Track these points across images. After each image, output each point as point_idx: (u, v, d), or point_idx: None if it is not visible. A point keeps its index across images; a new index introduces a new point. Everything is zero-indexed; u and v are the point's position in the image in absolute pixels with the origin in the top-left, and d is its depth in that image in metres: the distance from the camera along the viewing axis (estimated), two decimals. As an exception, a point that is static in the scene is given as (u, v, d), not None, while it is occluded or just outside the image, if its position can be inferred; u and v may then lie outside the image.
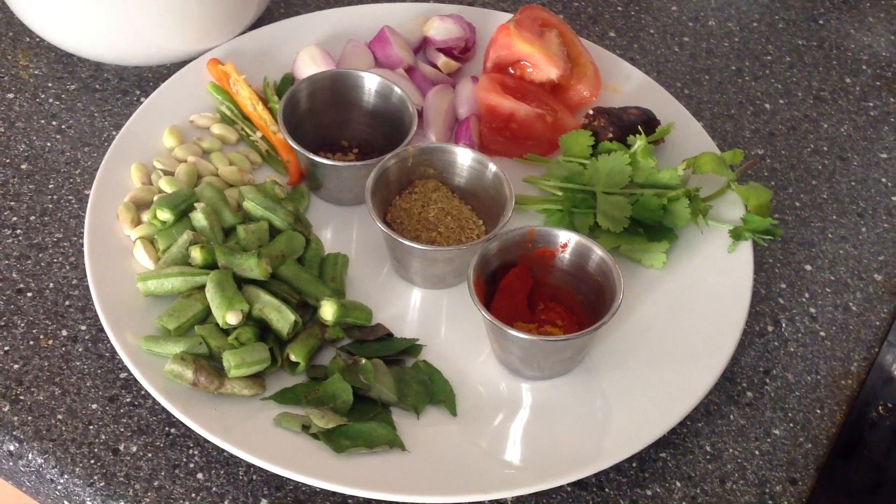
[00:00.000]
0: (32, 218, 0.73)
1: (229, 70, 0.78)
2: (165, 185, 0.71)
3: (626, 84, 0.82)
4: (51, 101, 0.81)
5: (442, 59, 0.81)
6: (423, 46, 0.84)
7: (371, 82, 0.74)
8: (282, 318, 0.62)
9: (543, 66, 0.79)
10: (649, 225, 0.70)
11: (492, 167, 0.69)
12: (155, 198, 0.70)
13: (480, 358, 0.65)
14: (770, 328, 0.69)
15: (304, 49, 0.81)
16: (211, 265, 0.65)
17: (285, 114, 0.72)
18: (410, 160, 0.70)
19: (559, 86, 0.79)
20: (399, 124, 0.73)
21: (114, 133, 0.78)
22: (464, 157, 0.70)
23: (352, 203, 0.73)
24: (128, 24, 0.76)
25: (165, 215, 0.67)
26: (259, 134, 0.77)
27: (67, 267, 0.70)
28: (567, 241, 0.65)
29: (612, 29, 0.92)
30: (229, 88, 0.78)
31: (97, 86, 0.82)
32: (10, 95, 0.81)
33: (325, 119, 0.75)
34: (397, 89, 0.73)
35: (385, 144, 0.74)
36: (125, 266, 0.67)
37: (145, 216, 0.69)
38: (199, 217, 0.67)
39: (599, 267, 0.63)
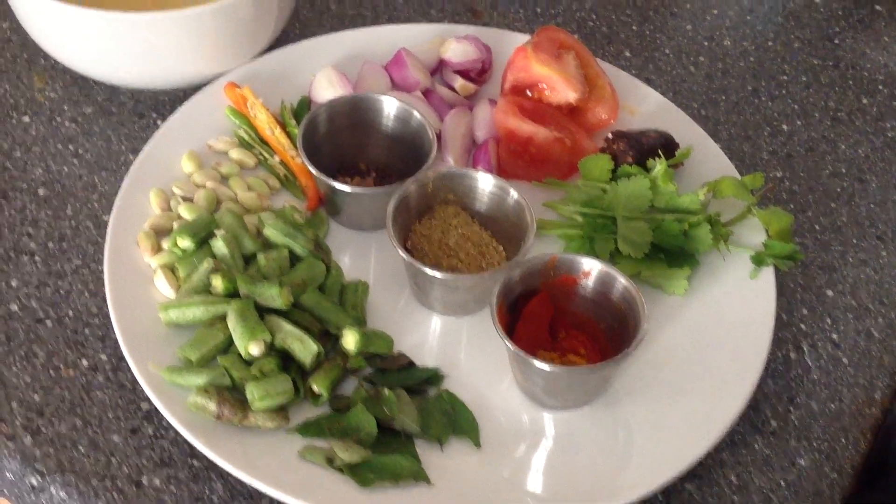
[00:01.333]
0: (51, 244, 0.72)
1: (246, 94, 0.78)
2: (185, 212, 0.70)
3: (643, 105, 0.82)
4: (67, 124, 0.80)
5: (459, 82, 0.81)
6: (439, 68, 0.84)
7: (390, 106, 0.74)
8: (304, 348, 0.62)
9: (561, 89, 0.78)
10: (670, 250, 0.70)
11: (513, 193, 0.69)
12: (174, 224, 0.70)
13: (502, 386, 0.65)
14: (792, 355, 0.69)
15: (320, 71, 0.81)
16: (232, 293, 0.65)
17: (304, 139, 0.72)
18: (430, 186, 0.70)
19: (577, 108, 0.79)
20: (418, 149, 0.73)
21: (131, 157, 0.78)
22: (485, 183, 0.70)
23: (370, 228, 0.73)
24: (144, 48, 0.76)
25: (186, 243, 0.67)
26: (277, 158, 0.77)
27: (87, 294, 0.69)
28: (590, 268, 0.65)
29: (628, 48, 0.92)
30: (247, 112, 0.78)
31: (113, 109, 0.82)
32: (26, 119, 0.80)
33: (343, 143, 0.75)
34: (417, 114, 0.73)
35: (403, 168, 0.73)
36: (146, 294, 0.66)
37: (165, 243, 0.69)
38: (219, 245, 0.67)
39: (623, 295, 0.63)
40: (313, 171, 0.70)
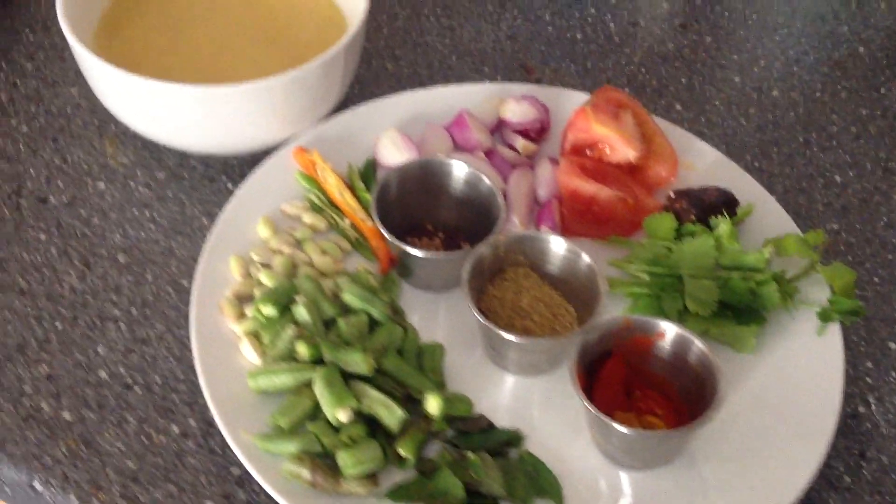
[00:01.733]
0: (134, 311, 0.75)
1: (315, 158, 0.81)
2: (265, 278, 0.73)
3: (699, 160, 0.84)
4: (141, 189, 0.83)
5: (520, 142, 0.83)
6: (499, 128, 0.86)
7: (460, 171, 0.76)
8: (391, 414, 0.64)
9: (621, 148, 0.81)
10: (738, 308, 0.72)
11: (585, 258, 0.71)
12: (255, 291, 0.72)
13: (579, 445, 0.67)
14: (861, 409, 0.71)
15: (384, 133, 0.83)
16: (317, 359, 0.67)
17: (378, 204, 0.74)
18: (502, 249, 0.72)
19: (637, 166, 0.81)
20: (487, 212, 0.75)
21: (205, 221, 0.80)
22: (556, 247, 0.72)
23: (440, 289, 0.75)
24: (215, 118, 0.78)
25: (269, 311, 0.69)
26: (347, 221, 0.79)
27: (172, 360, 0.72)
28: (664, 330, 0.67)
29: (678, 102, 0.94)
30: (316, 176, 0.80)
31: (184, 174, 0.84)
32: (102, 185, 0.83)
33: (412, 205, 0.77)
34: (486, 180, 0.75)
35: (471, 229, 0.76)
36: (232, 361, 0.69)
37: (248, 309, 0.71)
38: (301, 311, 0.69)
39: (699, 358, 0.65)
40: (388, 237, 0.73)
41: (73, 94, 0.90)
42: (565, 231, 0.79)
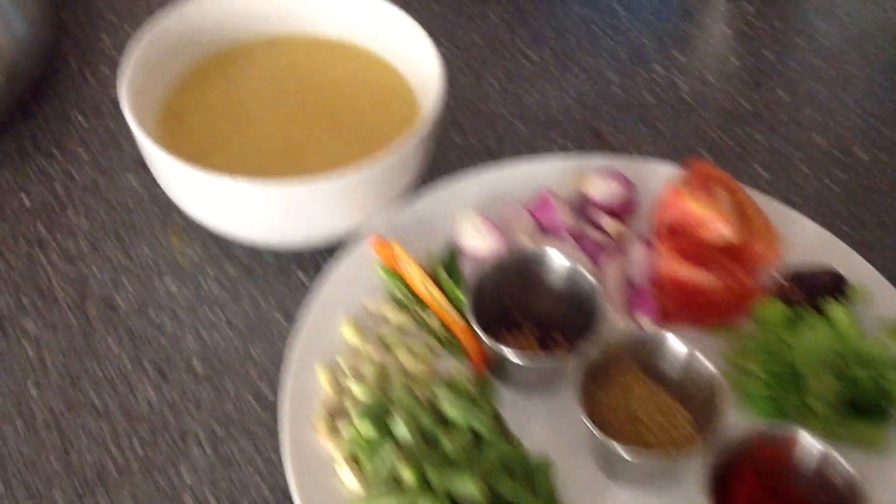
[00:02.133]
0: (216, 428, 0.71)
1: (396, 249, 0.77)
2: (357, 391, 0.69)
3: (795, 233, 0.80)
4: (213, 288, 0.79)
5: (609, 223, 0.79)
6: (582, 205, 0.82)
7: (559, 263, 0.72)
8: (510, 545, 0.60)
9: (719, 228, 0.77)
10: (863, 404, 0.68)
11: (703, 361, 0.67)
12: (347, 404, 0.68)
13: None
14: None
15: (463, 216, 0.79)
16: (422, 482, 0.63)
17: (473, 304, 0.70)
18: (612, 351, 0.68)
19: (735, 245, 0.77)
20: (586, 308, 0.71)
21: (282, 320, 0.77)
22: (670, 347, 0.68)
23: (538, 392, 0.71)
24: (287, 213, 0.74)
25: (368, 431, 0.65)
26: (434, 317, 0.75)
27: (263, 485, 0.68)
28: (799, 441, 0.62)
29: (761, 166, 0.90)
30: (397, 268, 0.76)
31: (256, 268, 0.80)
32: (171, 284, 0.79)
33: (504, 297, 0.73)
34: (587, 274, 0.71)
35: (566, 322, 0.72)
36: (331, 486, 0.65)
37: (340, 422, 0.67)
38: (401, 429, 0.65)
39: (834, 468, 0.61)
40: (487, 341, 0.69)
41: (133, 183, 0.86)
42: (664, 319, 0.75)
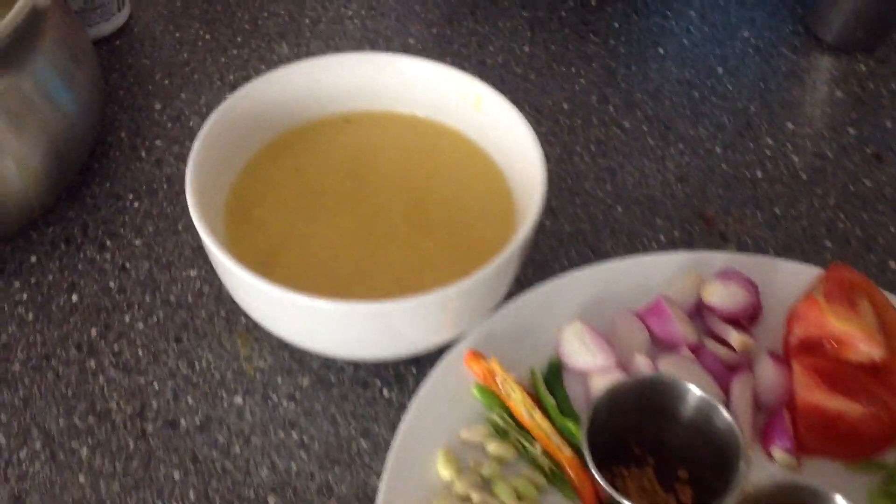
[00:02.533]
0: (298, 580, 0.62)
1: (494, 367, 0.68)
2: (459, 543, 0.60)
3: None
4: (284, 403, 0.70)
5: (735, 337, 0.70)
6: (697, 311, 0.73)
7: (691, 396, 0.63)
8: None
9: (864, 346, 0.67)
10: None
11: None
12: (450, 561, 0.59)
13: None
14: None
15: (566, 327, 0.70)
16: None
17: (588, 436, 0.61)
18: (753, 499, 0.59)
19: (882, 367, 0.68)
20: (717, 445, 0.62)
21: (363, 443, 0.68)
22: (824, 499, 0.59)
23: (662, 536, 0.62)
24: (371, 330, 0.66)
25: None
26: (539, 447, 0.66)
27: None
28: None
29: (892, 257, 0.80)
30: (496, 388, 0.67)
31: (332, 378, 0.72)
32: (239, 400, 0.70)
33: (624, 429, 0.64)
34: (724, 413, 0.62)
35: (691, 457, 0.63)
36: None
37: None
38: None
39: None
40: (602, 483, 0.59)
41: (193, 278, 0.77)
42: (801, 451, 0.66)
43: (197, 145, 0.69)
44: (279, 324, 0.68)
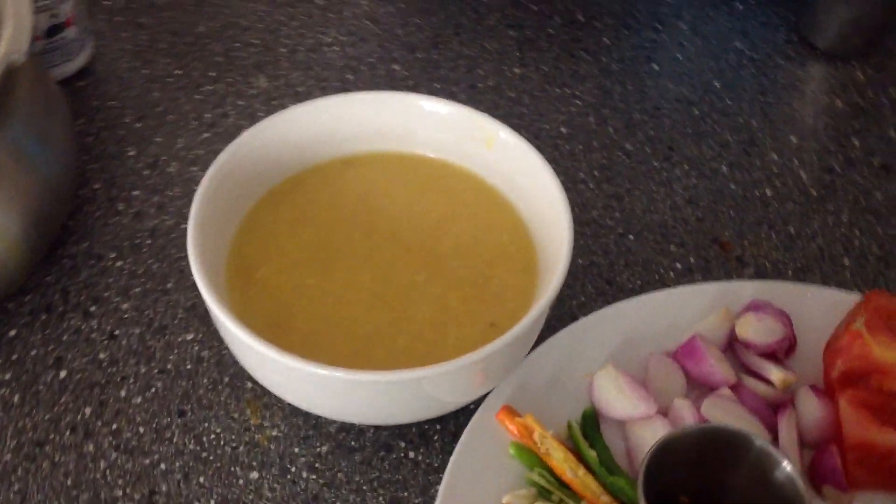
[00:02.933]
0: None
1: (530, 424, 0.64)
2: None
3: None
4: (304, 474, 0.65)
5: (776, 373, 0.67)
6: (729, 345, 0.70)
7: (746, 445, 0.59)
8: None
9: (910, 377, 0.65)
10: None
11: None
12: None
13: None
14: None
15: (599, 373, 0.67)
16: None
17: (645, 492, 0.57)
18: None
19: (928, 396, 0.65)
20: (775, 495, 0.59)
21: (394, 516, 0.63)
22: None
23: None
24: (392, 400, 0.61)
25: None
26: (584, 506, 0.62)
27: None
28: None
29: (915, 272, 0.78)
30: (534, 446, 0.63)
31: (352, 443, 0.67)
32: (255, 475, 0.65)
33: (670, 479, 0.60)
34: (787, 465, 0.58)
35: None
36: None
37: None
38: None
39: None
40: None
41: (190, 342, 0.72)
42: (850, 486, 0.63)
43: (197, 203, 0.64)
44: (295, 394, 0.63)
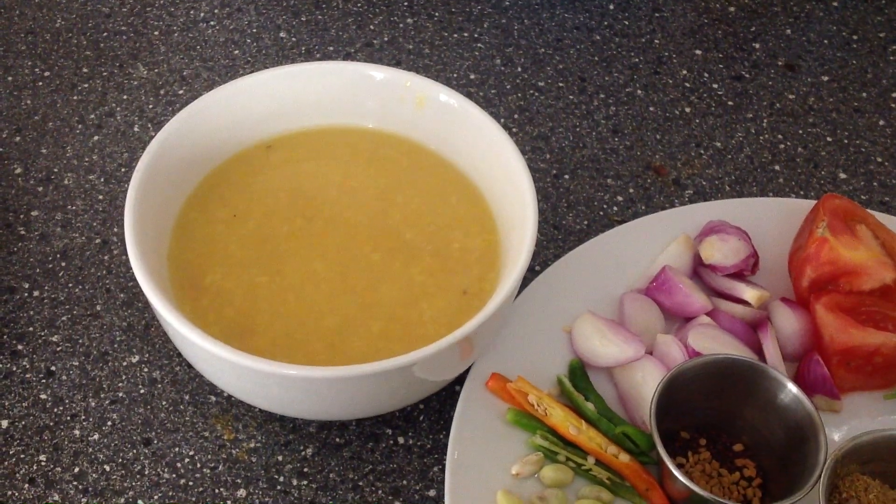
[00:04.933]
0: None
1: (524, 387, 0.62)
2: None
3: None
4: (294, 482, 0.62)
5: (750, 292, 0.66)
6: (695, 271, 0.69)
7: (754, 373, 0.59)
8: None
9: (876, 273, 0.65)
10: None
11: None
12: None
13: None
14: None
15: (578, 321, 0.65)
16: None
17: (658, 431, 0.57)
18: (840, 467, 0.56)
19: (890, 288, 0.66)
20: (783, 420, 0.59)
21: (400, 506, 0.60)
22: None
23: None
24: (369, 393, 0.58)
25: None
26: (592, 459, 0.61)
27: None
28: None
29: (841, 170, 0.79)
30: (531, 409, 0.61)
31: (337, 439, 0.64)
32: (242, 493, 0.61)
33: (672, 411, 0.60)
34: (792, 387, 0.58)
35: (743, 431, 0.60)
36: None
37: None
38: None
39: None
40: (689, 484, 0.55)
41: (137, 365, 0.66)
42: (840, 390, 0.64)
43: (130, 213, 0.59)
44: (272, 400, 0.59)
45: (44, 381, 0.65)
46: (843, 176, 0.79)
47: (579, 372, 0.64)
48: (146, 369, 0.66)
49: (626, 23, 0.89)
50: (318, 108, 0.69)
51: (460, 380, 0.63)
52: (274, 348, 0.59)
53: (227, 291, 0.62)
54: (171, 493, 0.61)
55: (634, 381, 0.63)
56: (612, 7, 0.90)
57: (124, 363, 0.66)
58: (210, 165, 0.67)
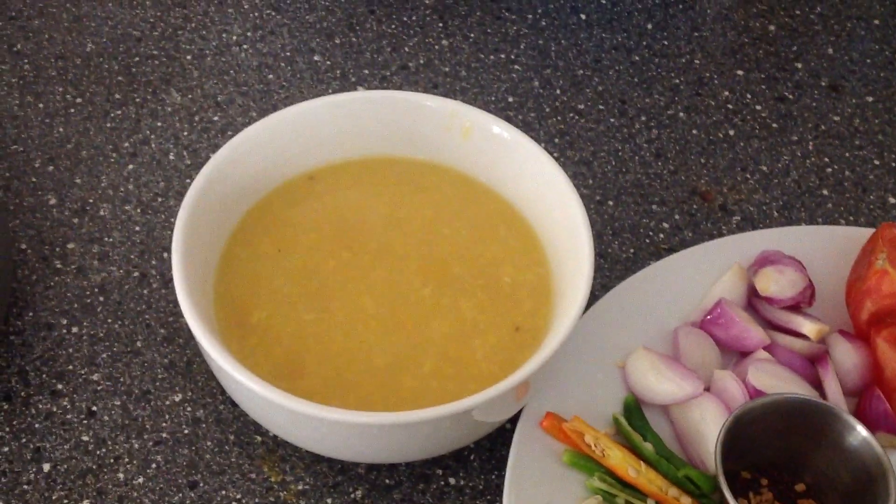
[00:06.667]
0: None
1: (580, 427, 0.60)
2: None
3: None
4: (346, 527, 0.60)
5: (810, 326, 0.65)
6: (751, 304, 0.68)
7: (824, 415, 0.58)
8: None
9: (940, 306, 0.64)
10: None
11: None
12: None
13: None
14: None
15: (631, 357, 0.64)
16: None
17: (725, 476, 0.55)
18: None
19: (954, 320, 0.65)
20: (850, 461, 0.57)
21: (455, 552, 0.59)
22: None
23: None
24: (424, 436, 0.56)
25: None
26: (652, 502, 0.59)
27: None
28: None
29: (888, 192, 0.77)
30: (588, 450, 0.60)
31: (387, 481, 0.62)
32: (292, 538, 0.59)
33: (734, 451, 0.58)
34: (862, 430, 0.57)
35: (806, 471, 0.58)
36: None
37: None
38: None
39: None
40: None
41: (180, 403, 0.64)
42: (898, 423, 0.62)
43: (177, 249, 0.58)
44: (323, 443, 0.58)
45: (85, 421, 0.63)
46: (892, 201, 0.77)
47: (635, 410, 0.62)
48: (189, 408, 0.64)
49: (665, 42, 0.87)
50: (362, 137, 0.67)
51: (512, 418, 0.61)
52: (325, 390, 0.58)
53: (275, 330, 0.60)
54: (218, 539, 0.59)
55: (692, 419, 0.61)
56: (650, 27, 0.89)
57: (167, 402, 0.64)
58: (254, 198, 0.65)
